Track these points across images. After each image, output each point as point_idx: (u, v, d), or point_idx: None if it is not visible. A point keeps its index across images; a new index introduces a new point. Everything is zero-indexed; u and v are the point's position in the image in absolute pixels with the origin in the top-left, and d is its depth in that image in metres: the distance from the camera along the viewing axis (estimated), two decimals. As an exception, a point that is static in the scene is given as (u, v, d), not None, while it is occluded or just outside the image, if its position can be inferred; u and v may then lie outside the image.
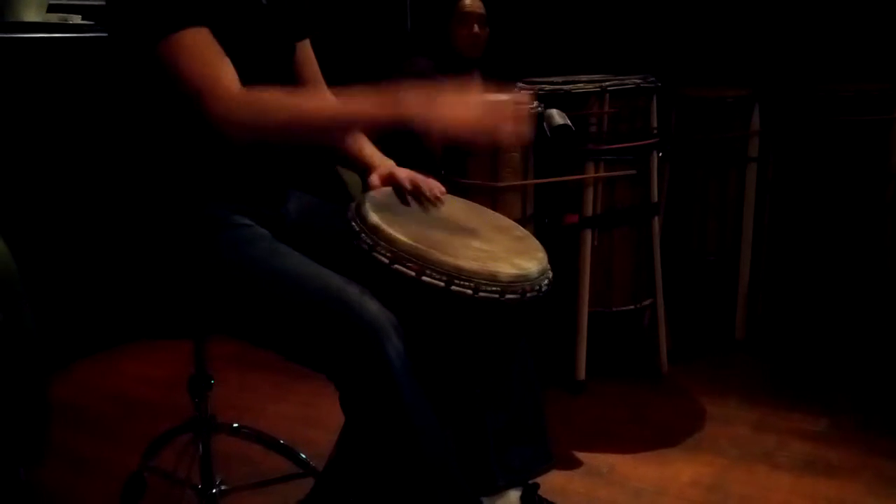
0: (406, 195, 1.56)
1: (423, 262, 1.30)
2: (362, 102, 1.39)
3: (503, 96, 1.43)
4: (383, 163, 1.66)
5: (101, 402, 2.61)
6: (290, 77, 1.68)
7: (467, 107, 1.36)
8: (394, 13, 3.97)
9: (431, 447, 1.30)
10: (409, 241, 1.32)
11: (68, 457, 2.20)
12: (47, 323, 1.74)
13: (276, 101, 1.40)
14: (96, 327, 2.88)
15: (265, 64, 1.56)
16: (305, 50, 1.73)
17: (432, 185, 1.57)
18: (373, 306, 1.29)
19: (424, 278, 1.29)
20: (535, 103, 2.37)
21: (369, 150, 1.70)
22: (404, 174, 1.59)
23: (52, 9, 2.91)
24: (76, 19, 2.95)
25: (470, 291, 1.30)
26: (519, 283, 1.34)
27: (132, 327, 2.08)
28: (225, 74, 1.37)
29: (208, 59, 1.37)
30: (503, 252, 1.43)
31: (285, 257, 1.42)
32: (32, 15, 2.92)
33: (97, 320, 2.85)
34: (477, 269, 1.31)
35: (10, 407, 1.59)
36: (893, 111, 2.86)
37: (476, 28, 3.12)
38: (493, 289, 1.31)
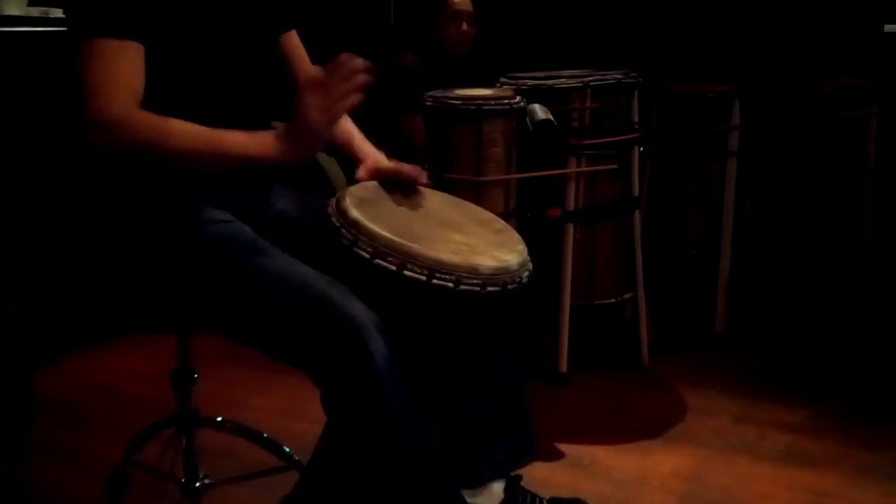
0: (387, 190, 1.56)
1: (404, 257, 1.30)
2: (238, 135, 1.38)
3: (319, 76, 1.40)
4: (372, 155, 1.64)
5: (86, 397, 2.61)
6: (272, 70, 1.68)
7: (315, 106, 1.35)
8: (377, 8, 3.97)
9: (414, 443, 1.31)
10: (390, 236, 1.33)
11: (53, 451, 2.20)
12: (33, 317, 1.75)
13: (149, 126, 1.35)
14: (82, 322, 2.87)
15: (245, 59, 1.56)
16: (292, 41, 1.73)
17: (416, 174, 1.55)
18: (355, 304, 1.29)
19: (406, 272, 1.30)
20: (518, 98, 2.39)
21: (358, 142, 1.69)
22: (390, 165, 1.58)
23: (33, 2, 2.90)
24: (57, 13, 2.93)
25: (451, 285, 1.31)
26: (500, 276, 1.35)
27: (118, 322, 2.08)
28: (118, 95, 1.35)
29: (113, 75, 1.35)
30: (484, 245, 1.43)
31: (266, 254, 1.42)
32: (13, 8, 2.90)
33: (83, 315, 2.85)
34: (458, 263, 1.32)
35: (-6, 402, 1.60)
36: (872, 106, 2.89)
37: (465, 26, 3.13)
38: (474, 282, 1.32)
